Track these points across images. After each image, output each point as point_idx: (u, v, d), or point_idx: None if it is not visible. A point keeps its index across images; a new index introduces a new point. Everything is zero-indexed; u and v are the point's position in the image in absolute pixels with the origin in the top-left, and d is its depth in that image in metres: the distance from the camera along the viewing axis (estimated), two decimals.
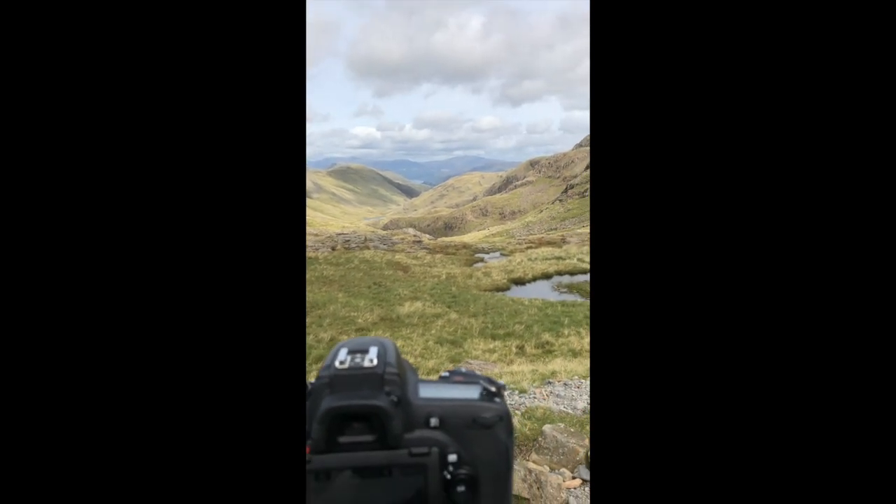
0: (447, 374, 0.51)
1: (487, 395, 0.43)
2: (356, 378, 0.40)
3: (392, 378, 0.41)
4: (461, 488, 0.43)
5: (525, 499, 2.20)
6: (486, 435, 0.42)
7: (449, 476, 0.43)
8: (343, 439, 0.40)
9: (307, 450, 0.39)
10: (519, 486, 2.23)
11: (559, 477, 2.30)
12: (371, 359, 0.42)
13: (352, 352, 0.43)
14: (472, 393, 0.45)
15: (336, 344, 0.43)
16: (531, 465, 2.33)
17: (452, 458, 0.43)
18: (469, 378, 0.49)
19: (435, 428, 0.43)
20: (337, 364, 0.42)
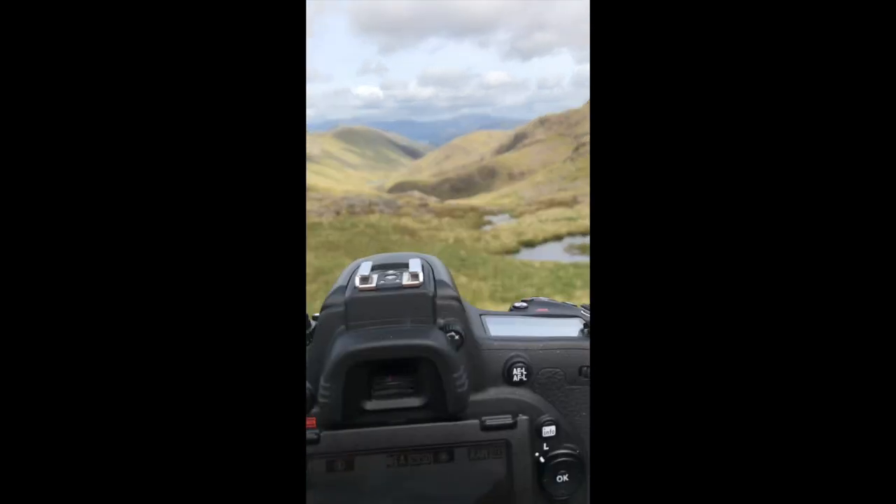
0: (523, 303, 0.35)
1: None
2: (392, 303, 0.25)
3: (449, 304, 0.26)
4: (563, 477, 0.27)
5: None
6: None
7: (543, 459, 0.28)
8: (371, 405, 0.25)
9: (311, 422, 0.24)
10: None
11: None
12: (414, 272, 0.27)
13: (380, 267, 0.28)
14: (569, 330, 0.29)
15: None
16: None
17: (549, 430, 0.27)
18: (561, 309, 0.31)
19: (520, 383, 0.28)
20: (358, 282, 0.26)
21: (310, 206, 17.69)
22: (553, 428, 0.27)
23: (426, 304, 0.25)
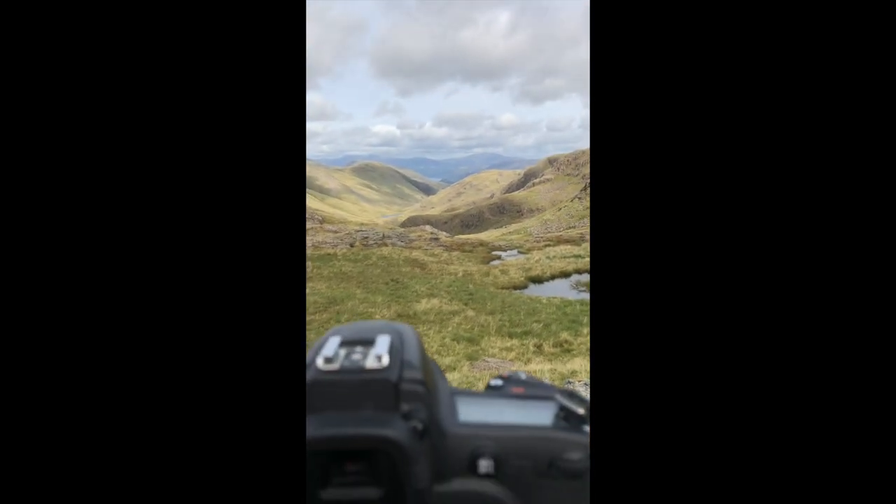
0: (499, 381, 0.32)
1: (568, 419, 0.26)
2: (353, 388, 0.24)
3: (413, 390, 0.25)
4: None
5: None
6: (572, 489, 0.26)
7: None
8: (328, 494, 0.24)
9: None
10: None
11: None
12: (379, 355, 0.26)
13: (347, 343, 0.27)
14: (543, 416, 0.27)
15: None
16: None
17: None
18: (536, 389, 0.29)
19: (487, 476, 0.26)
20: (320, 363, 0.25)
21: (324, 237, 18.24)
22: None
23: (389, 391, 0.24)
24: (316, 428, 0.23)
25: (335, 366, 0.25)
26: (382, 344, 0.27)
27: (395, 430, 0.24)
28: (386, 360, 0.26)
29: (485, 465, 0.26)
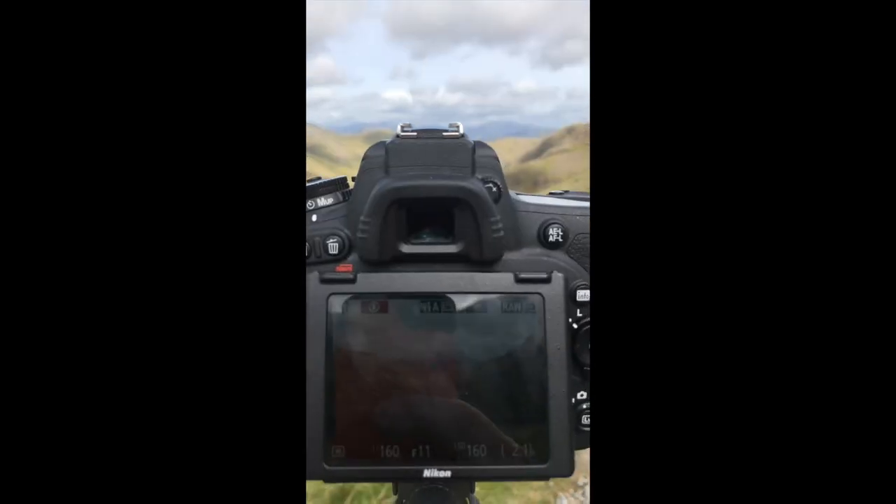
0: (559, 193, 0.33)
1: None
2: (433, 150, 0.27)
3: (489, 161, 0.27)
4: None
5: None
6: None
7: (576, 325, 0.28)
8: (407, 248, 0.26)
9: (348, 267, 0.25)
10: None
11: None
12: (456, 125, 0.28)
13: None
14: None
15: None
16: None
17: (583, 295, 0.28)
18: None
19: (556, 245, 0.28)
20: (399, 130, 0.28)
21: None
22: (587, 293, 0.26)
23: (466, 155, 0.25)
24: (399, 180, 0.26)
25: (412, 133, 0.28)
26: (457, 126, 0.30)
27: (474, 185, 0.26)
28: (462, 130, 0.29)
29: (554, 233, 0.29)
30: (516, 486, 1.98)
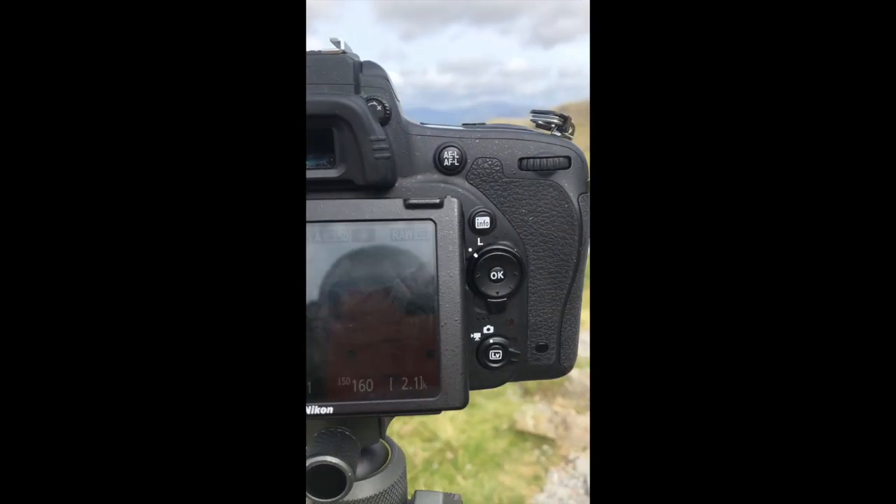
0: (474, 124, 0.29)
1: (547, 127, 0.27)
2: (311, 66, 0.24)
3: (376, 80, 0.24)
4: (497, 273, 0.26)
5: (551, 439, 2.10)
6: (543, 187, 0.26)
7: (477, 255, 0.26)
8: None
9: None
10: (545, 427, 2.14)
11: (586, 420, 2.16)
12: (336, 41, 0.25)
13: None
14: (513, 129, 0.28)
15: None
16: (557, 408, 2.28)
17: (482, 222, 0.26)
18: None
19: (452, 170, 0.25)
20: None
21: None
22: (487, 220, 0.25)
23: (347, 71, 0.23)
24: None
25: None
26: (344, 44, 0.26)
27: (354, 102, 0.24)
28: (344, 47, 0.26)
29: (449, 156, 0.26)
30: (508, 462, 1.99)
